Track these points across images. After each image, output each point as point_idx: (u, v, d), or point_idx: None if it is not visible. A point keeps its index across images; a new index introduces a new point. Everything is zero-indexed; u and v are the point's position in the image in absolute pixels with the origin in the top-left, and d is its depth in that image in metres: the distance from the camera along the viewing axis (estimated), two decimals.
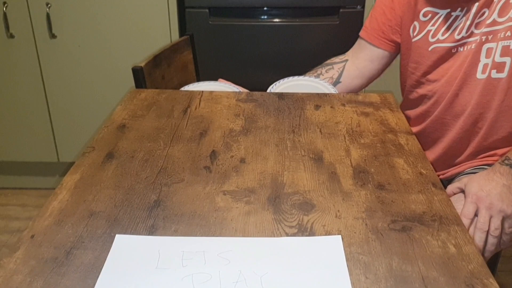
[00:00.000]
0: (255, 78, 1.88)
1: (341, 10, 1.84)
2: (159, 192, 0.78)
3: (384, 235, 0.68)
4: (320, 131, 1.00)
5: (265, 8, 1.88)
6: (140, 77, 1.23)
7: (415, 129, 1.17)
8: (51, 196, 0.76)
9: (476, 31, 1.02)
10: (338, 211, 0.74)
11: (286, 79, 1.30)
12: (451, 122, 1.10)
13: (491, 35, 0.99)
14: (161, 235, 0.68)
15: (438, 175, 1.16)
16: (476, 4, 1.01)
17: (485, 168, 1.05)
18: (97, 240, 0.67)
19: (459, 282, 0.59)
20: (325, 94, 1.20)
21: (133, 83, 1.28)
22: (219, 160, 0.88)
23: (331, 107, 1.12)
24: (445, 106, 1.10)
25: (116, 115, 1.05)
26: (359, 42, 1.28)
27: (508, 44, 0.98)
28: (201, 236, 0.68)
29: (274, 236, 0.68)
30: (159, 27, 1.87)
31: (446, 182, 1.13)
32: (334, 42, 1.85)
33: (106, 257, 0.63)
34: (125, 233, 0.68)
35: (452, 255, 0.64)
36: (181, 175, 0.83)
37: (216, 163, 0.86)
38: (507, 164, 0.94)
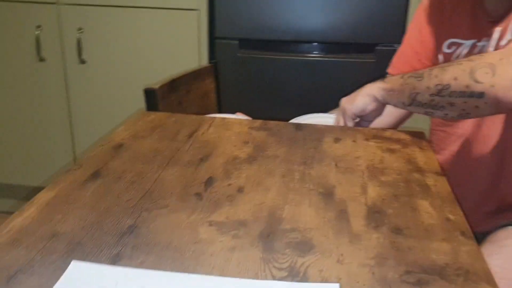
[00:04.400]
0: (279, 114, 1.79)
1: (377, 47, 1.75)
2: (137, 217, 0.68)
3: None
4: (336, 164, 0.89)
5: (296, 42, 1.81)
6: (152, 99, 1.16)
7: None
8: (17, 211, 0.68)
9: None
10: (342, 255, 0.62)
11: (309, 115, 1.22)
12: (477, 158, 0.98)
13: None
14: (124, 265, 0.58)
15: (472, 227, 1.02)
16: (498, 29, 0.91)
17: None
18: (49, 265, 0.57)
19: None
20: (348, 128, 1.09)
21: None
22: (214, 187, 0.77)
23: (353, 141, 1.01)
24: (470, 143, 0.99)
25: (116, 134, 0.97)
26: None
27: None
28: (170, 271, 0.57)
29: (257, 278, 0.56)
30: (188, 57, 1.84)
31: (479, 235, 0.98)
32: (368, 80, 1.74)
33: (53, 285, 0.54)
34: (84, 259, 0.58)
35: None
36: (166, 200, 0.73)
37: (210, 191, 0.76)
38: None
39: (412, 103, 0.90)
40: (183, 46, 1.82)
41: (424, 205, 0.75)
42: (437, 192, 0.79)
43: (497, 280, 0.78)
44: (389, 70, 1.20)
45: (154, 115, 1.10)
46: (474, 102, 0.79)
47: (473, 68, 0.78)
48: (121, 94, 1.92)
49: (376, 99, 0.99)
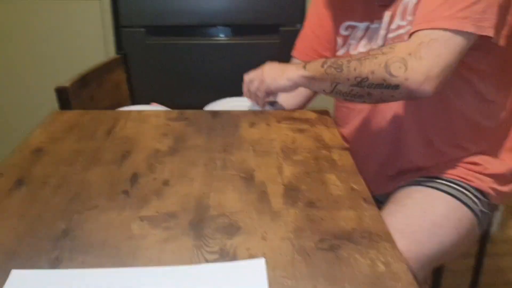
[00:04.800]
0: (194, 99, 1.83)
1: (281, 28, 1.84)
2: (69, 220, 0.71)
3: (311, 256, 0.64)
4: (254, 149, 0.96)
5: (203, 27, 1.85)
6: (65, 98, 1.16)
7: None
8: None
9: (388, 38, 1.03)
10: (265, 232, 0.69)
11: (222, 100, 1.27)
12: (377, 131, 1.09)
13: (398, 39, 1.00)
14: (66, 268, 0.61)
15: (373, 190, 1.14)
16: (388, 13, 1.02)
17: (422, 181, 1.04)
18: None
19: None
20: (261, 112, 1.16)
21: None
22: (140, 183, 0.81)
23: (267, 124, 1.08)
24: (369, 117, 1.09)
25: (33, 138, 0.97)
26: (292, 62, 1.26)
27: None
28: (111, 267, 0.61)
29: (192, 264, 0.62)
30: (94, 48, 1.81)
31: (383, 196, 1.11)
32: (274, 60, 1.83)
33: None
34: (24, 267, 0.61)
35: (380, 274, 0.60)
36: (95, 201, 0.76)
37: (136, 187, 0.80)
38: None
39: (333, 91, 0.97)
40: (88, 38, 1.79)
41: (332, 178, 0.85)
42: (342, 166, 0.89)
43: (399, 235, 0.90)
44: (293, 53, 1.27)
45: (68, 114, 1.10)
46: (390, 93, 0.89)
47: (388, 63, 0.87)
48: (30, 90, 1.84)
49: (297, 85, 1.05)
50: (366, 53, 0.93)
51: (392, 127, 1.07)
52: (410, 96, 0.89)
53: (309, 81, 1.01)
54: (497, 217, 2.03)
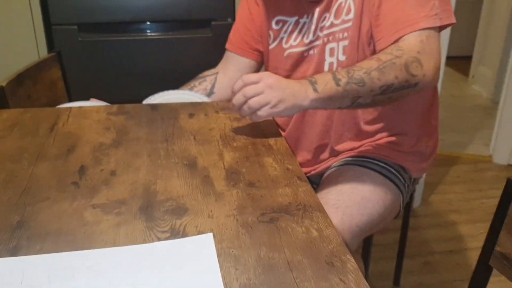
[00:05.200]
0: (130, 94, 1.86)
1: (212, 23, 1.90)
2: (22, 212, 0.74)
3: (253, 228, 0.71)
4: (194, 138, 1.02)
5: (136, 23, 1.87)
6: (1, 96, 1.15)
7: (283, 133, 1.23)
8: None
9: (320, 34, 1.11)
10: (211, 211, 0.76)
11: (160, 93, 1.31)
12: (310, 121, 1.18)
13: (331, 36, 1.09)
14: (25, 255, 0.64)
15: (309, 171, 1.24)
16: (318, 9, 1.10)
17: (351, 161, 1.15)
18: None
19: (321, 261, 0.64)
20: (199, 103, 1.22)
21: None
22: (88, 175, 0.85)
23: (205, 114, 1.14)
24: None
25: None
26: (226, 54, 1.33)
27: (346, 44, 1.08)
28: (68, 251, 0.65)
29: (145, 243, 0.68)
30: (25, 46, 1.78)
31: (318, 177, 1.21)
32: (208, 53, 1.89)
33: None
34: None
35: (314, 239, 0.69)
36: (46, 193, 0.79)
37: (85, 178, 0.84)
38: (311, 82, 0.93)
39: (352, 105, 0.96)
40: (19, 36, 1.75)
41: (269, 161, 0.93)
42: (277, 149, 0.98)
43: (334, 209, 1.00)
44: (227, 46, 1.33)
45: (8, 113, 1.11)
46: (408, 91, 0.96)
47: (406, 64, 0.93)
48: None
49: (303, 108, 0.94)
50: (378, 59, 0.94)
51: (323, 116, 1.16)
52: (423, 90, 0.98)
53: (323, 102, 0.93)
54: (419, 193, 2.22)
